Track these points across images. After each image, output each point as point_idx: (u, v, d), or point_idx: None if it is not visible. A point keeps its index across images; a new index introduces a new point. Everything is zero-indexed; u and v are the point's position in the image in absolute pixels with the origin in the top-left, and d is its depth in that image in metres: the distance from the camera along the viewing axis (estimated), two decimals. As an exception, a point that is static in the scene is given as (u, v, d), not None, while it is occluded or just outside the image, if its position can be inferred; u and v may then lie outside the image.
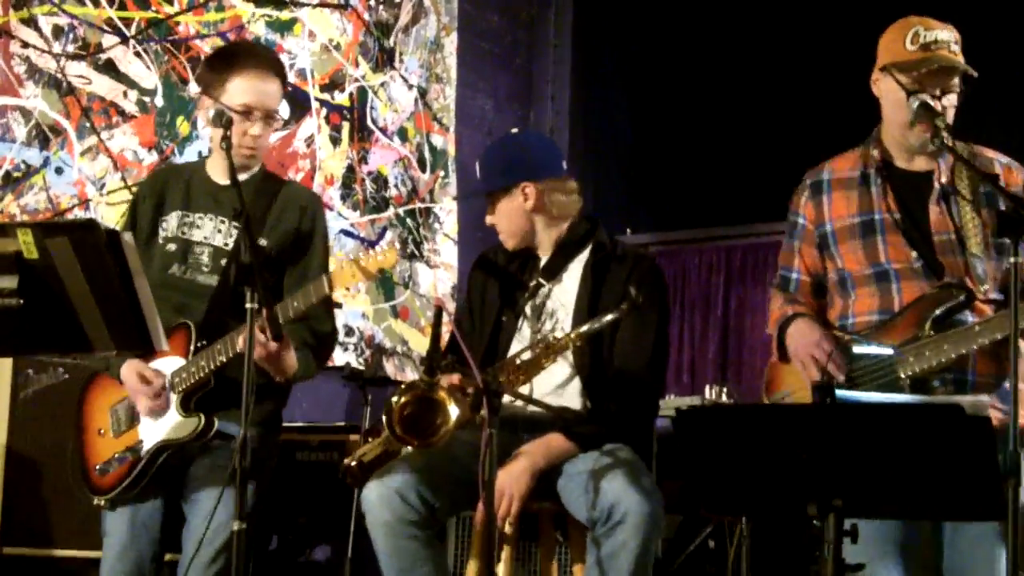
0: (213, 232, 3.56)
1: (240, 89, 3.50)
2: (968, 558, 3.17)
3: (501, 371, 3.44)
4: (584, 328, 3.44)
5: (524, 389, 3.53)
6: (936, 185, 3.34)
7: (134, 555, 3.49)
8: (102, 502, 3.49)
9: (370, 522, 3.35)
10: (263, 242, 3.52)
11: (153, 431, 3.47)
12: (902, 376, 3.23)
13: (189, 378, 3.43)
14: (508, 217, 3.72)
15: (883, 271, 3.34)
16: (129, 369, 3.46)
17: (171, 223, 3.60)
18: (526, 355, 3.46)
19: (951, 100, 3.30)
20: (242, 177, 3.58)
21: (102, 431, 3.55)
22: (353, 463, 3.51)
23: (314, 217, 3.69)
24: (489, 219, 3.75)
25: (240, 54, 3.59)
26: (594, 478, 3.33)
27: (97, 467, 3.51)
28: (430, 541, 3.37)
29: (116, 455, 3.49)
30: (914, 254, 3.31)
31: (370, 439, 3.57)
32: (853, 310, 3.40)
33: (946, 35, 3.29)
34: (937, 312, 3.23)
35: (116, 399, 3.56)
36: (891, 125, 3.38)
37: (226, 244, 3.55)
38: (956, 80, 3.29)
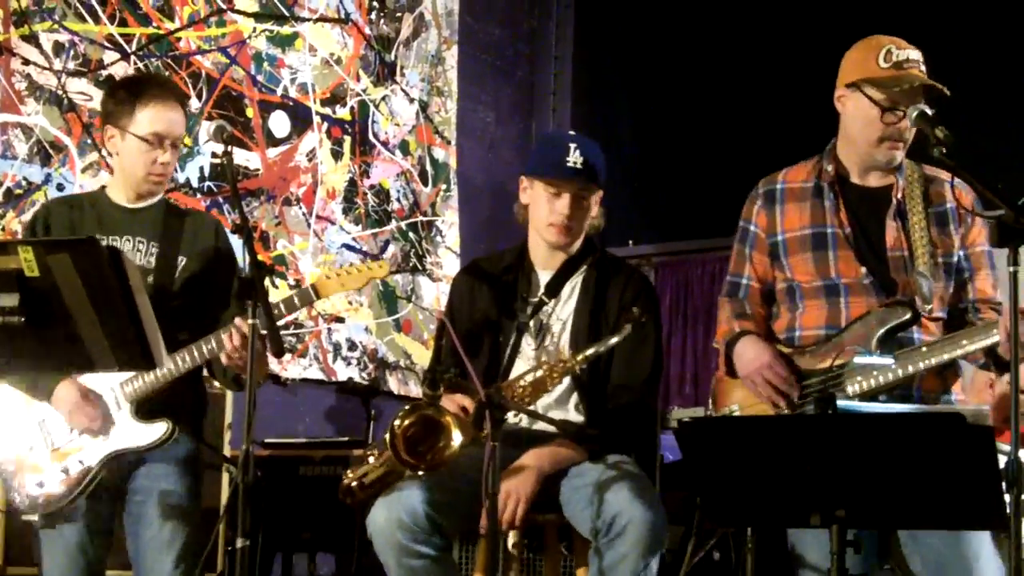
0: (133, 253, 3.59)
1: (149, 118, 3.55)
2: (944, 554, 3.17)
3: (506, 390, 3.44)
4: (590, 352, 3.44)
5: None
6: (894, 200, 3.36)
7: (82, 570, 3.50)
8: (35, 518, 3.49)
9: (379, 545, 3.33)
10: (182, 259, 3.61)
11: (105, 440, 3.48)
12: (849, 393, 3.25)
13: (146, 387, 3.47)
14: (587, 216, 3.65)
15: (833, 285, 3.37)
16: (70, 389, 3.47)
17: None
18: (531, 376, 3.46)
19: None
20: (148, 202, 3.67)
21: (31, 447, 3.52)
22: (354, 483, 3.50)
23: (226, 238, 3.77)
24: (574, 208, 3.59)
25: (147, 84, 3.67)
26: (598, 490, 3.33)
27: (35, 481, 3.48)
28: (441, 558, 3.36)
29: (58, 467, 3.48)
30: (863, 270, 3.34)
31: (371, 455, 3.55)
32: (800, 323, 3.43)
33: (916, 55, 3.33)
34: (883, 330, 3.25)
35: (42, 413, 3.54)
36: (856, 142, 3.39)
37: (148, 263, 3.59)
38: (921, 100, 3.31)
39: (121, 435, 3.48)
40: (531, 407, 3.52)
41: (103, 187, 3.77)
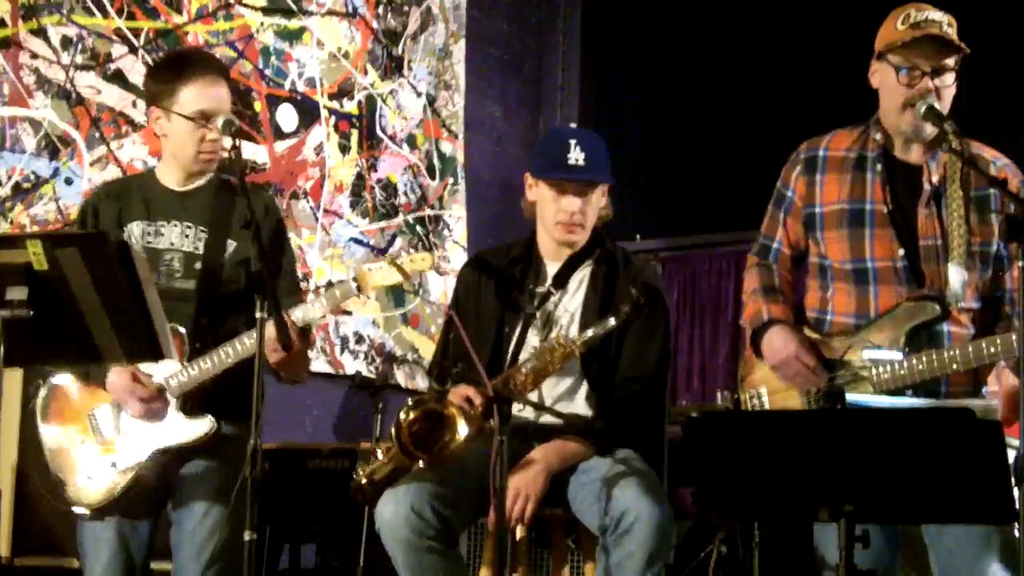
0: (180, 238, 3.55)
1: (193, 96, 3.49)
2: (957, 556, 3.15)
3: (509, 379, 3.44)
4: (589, 333, 3.44)
5: (532, 396, 3.53)
6: (927, 186, 3.29)
7: (124, 566, 3.49)
8: (86, 511, 3.46)
9: (387, 540, 3.34)
10: (232, 243, 3.55)
11: (151, 435, 3.46)
12: (874, 386, 3.22)
13: (191, 381, 3.44)
14: (595, 210, 3.66)
15: (864, 269, 3.31)
16: (122, 374, 3.43)
17: (134, 233, 3.57)
18: (532, 363, 3.46)
19: (945, 81, 3.25)
20: (199, 183, 3.62)
21: (82, 440, 3.51)
22: (363, 481, 3.50)
23: (277, 216, 3.71)
24: (579, 204, 3.60)
25: (187, 62, 3.59)
26: (606, 486, 3.33)
27: (84, 474, 3.47)
28: (448, 552, 3.37)
29: (106, 460, 3.46)
30: (901, 251, 3.27)
31: (379, 449, 3.55)
32: (832, 306, 3.38)
33: (938, 16, 3.25)
34: (911, 325, 3.21)
35: (91, 405, 3.52)
36: (887, 112, 3.33)
37: (196, 249, 3.55)
38: (950, 60, 3.25)
39: (167, 431, 3.45)
40: (539, 401, 3.53)
41: (153, 168, 3.73)
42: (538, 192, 3.67)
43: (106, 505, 3.45)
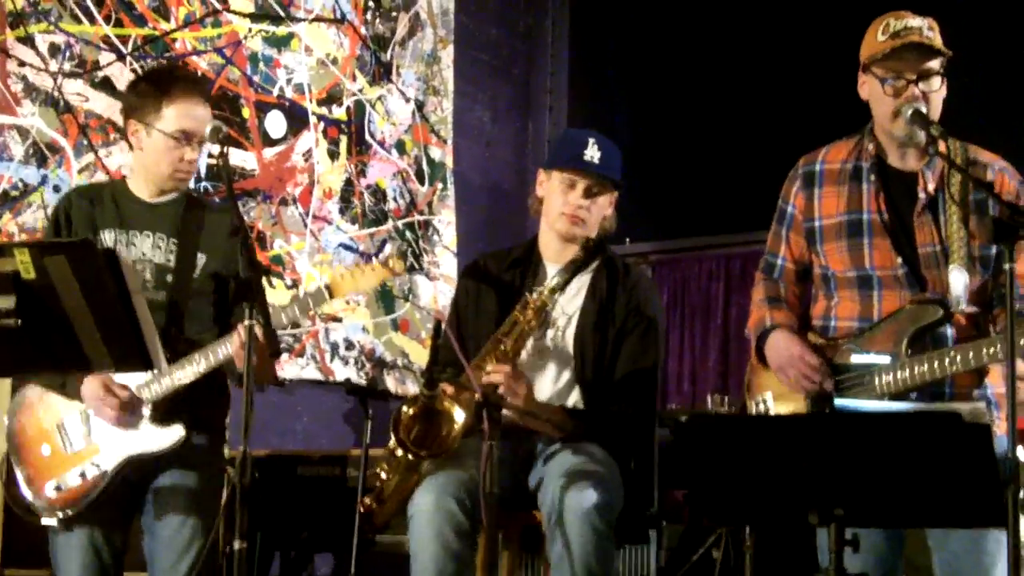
0: (152, 249, 3.57)
1: (176, 115, 3.52)
2: (962, 560, 3.16)
3: (489, 357, 3.46)
4: (555, 281, 3.51)
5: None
6: (921, 195, 3.30)
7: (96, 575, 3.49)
8: (55, 522, 3.46)
9: (418, 526, 3.35)
10: (202, 257, 3.58)
11: (119, 443, 3.46)
12: (878, 390, 3.23)
13: (164, 390, 3.45)
14: (600, 212, 3.74)
15: (866, 276, 3.33)
16: (94, 383, 3.44)
17: (107, 240, 3.58)
18: (507, 328, 3.52)
19: (932, 85, 3.26)
20: (168, 197, 3.64)
21: (50, 451, 3.51)
22: (373, 506, 3.51)
23: (246, 232, 3.73)
24: (586, 203, 3.69)
25: (174, 80, 3.61)
26: (555, 475, 3.37)
27: (52, 485, 3.47)
28: (467, 556, 3.39)
29: (75, 470, 3.47)
30: (899, 260, 3.28)
31: (380, 471, 3.55)
32: (835, 312, 3.40)
33: (917, 22, 3.26)
34: (914, 329, 3.21)
35: (60, 416, 3.53)
36: (878, 121, 3.35)
37: (167, 260, 3.57)
38: (933, 64, 3.26)
39: (137, 439, 3.46)
40: (532, 401, 3.54)
41: (124, 177, 3.73)
42: (548, 186, 3.75)
43: (76, 515, 3.45)
